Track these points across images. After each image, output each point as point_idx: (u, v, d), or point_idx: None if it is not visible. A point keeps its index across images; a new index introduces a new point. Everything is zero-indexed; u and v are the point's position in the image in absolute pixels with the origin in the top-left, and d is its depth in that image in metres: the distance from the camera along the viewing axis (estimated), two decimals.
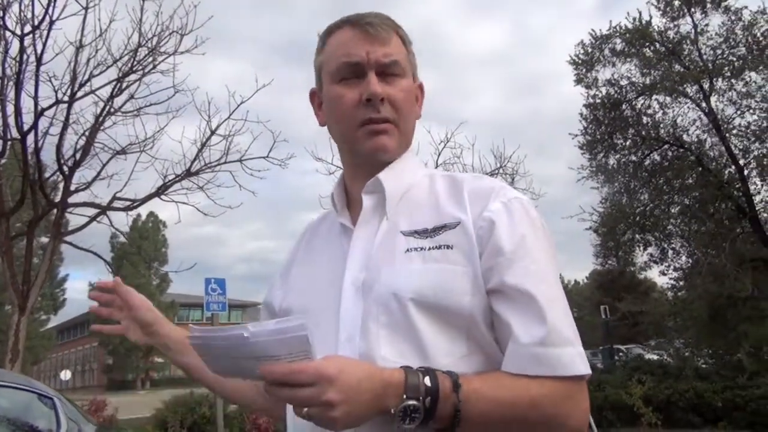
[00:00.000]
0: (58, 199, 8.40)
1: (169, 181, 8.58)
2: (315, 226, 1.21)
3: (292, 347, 0.82)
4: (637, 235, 13.66)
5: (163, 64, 8.27)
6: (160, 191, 8.60)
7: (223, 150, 8.66)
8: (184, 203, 8.76)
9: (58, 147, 7.95)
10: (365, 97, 1.03)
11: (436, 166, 11.10)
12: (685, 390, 9.76)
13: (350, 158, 1.12)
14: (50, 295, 35.37)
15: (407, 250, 0.98)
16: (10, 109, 7.61)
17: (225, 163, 8.69)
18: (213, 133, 8.57)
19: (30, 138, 7.70)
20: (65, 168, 8.15)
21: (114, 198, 8.59)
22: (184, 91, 8.41)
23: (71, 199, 8.46)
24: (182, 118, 8.75)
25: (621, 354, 19.24)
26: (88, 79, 7.91)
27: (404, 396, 0.83)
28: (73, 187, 8.41)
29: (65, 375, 31.32)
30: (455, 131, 11.01)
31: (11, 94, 7.52)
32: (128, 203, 8.79)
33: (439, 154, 11.06)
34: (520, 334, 0.90)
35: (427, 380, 0.84)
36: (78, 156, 8.21)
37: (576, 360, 0.91)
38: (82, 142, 8.21)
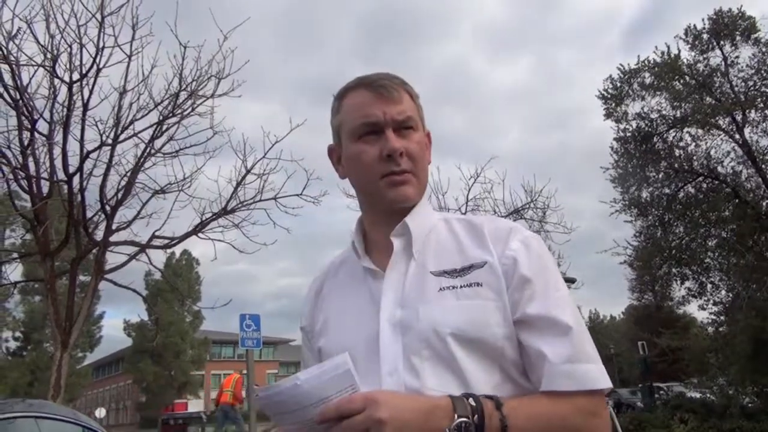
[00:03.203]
0: (99, 237, 8.65)
1: (206, 219, 8.79)
2: (336, 269, 1.29)
3: (339, 384, 0.91)
4: (673, 269, 13.41)
5: (202, 107, 8.52)
6: (197, 229, 8.78)
7: (257, 188, 8.83)
8: (220, 240, 8.94)
9: (101, 188, 8.20)
10: (386, 153, 1.12)
11: (467, 202, 11.15)
12: (731, 429, 9.42)
13: (371, 206, 1.23)
14: (87, 333, 35.93)
15: (440, 288, 1.07)
16: (56, 152, 7.95)
17: (260, 201, 8.84)
18: (248, 172, 8.78)
19: (75, 179, 7.99)
20: (107, 208, 8.41)
21: (153, 236, 8.81)
22: (221, 132, 8.66)
23: (112, 238, 8.71)
24: (219, 158, 8.99)
25: (661, 392, 18.63)
26: (131, 123, 8.19)
27: (455, 416, 0.91)
28: (114, 226, 8.65)
29: (100, 413, 31.55)
30: (485, 166, 11.07)
31: (59, 138, 7.87)
32: (167, 241, 9.00)
33: (470, 190, 11.11)
34: (551, 355, 1.01)
35: (471, 401, 0.94)
36: (120, 196, 8.48)
37: (601, 375, 1.02)
38: (123, 183, 8.49)
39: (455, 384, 1.01)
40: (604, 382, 1.02)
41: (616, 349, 44.83)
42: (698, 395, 12.58)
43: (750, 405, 11.09)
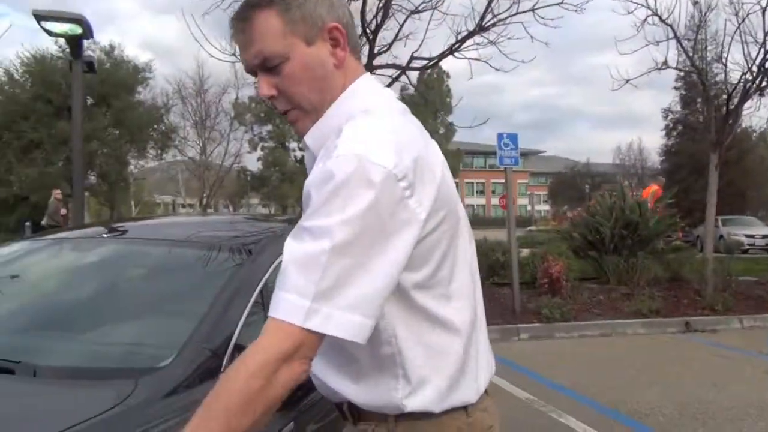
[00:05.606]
0: (364, 62, 9.14)
1: (462, 37, 8.63)
2: None
3: None
4: None
5: None
6: (453, 49, 8.73)
7: None
8: (476, 59, 8.80)
9: (362, 12, 8.49)
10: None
11: None
12: None
13: None
14: None
15: None
16: None
17: (516, 14, 8.31)
18: None
19: None
20: (368, 31, 8.75)
21: (412, 58, 9.02)
22: None
23: (374, 62, 9.16)
24: None
25: None
26: None
27: None
28: (376, 50, 9.05)
29: None
30: None
31: None
32: (425, 62, 9.17)
33: None
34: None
35: None
36: (379, 19, 8.71)
37: (281, 304, 0.92)
38: (381, 5, 8.64)
39: None
40: (282, 313, 0.92)
41: None
42: None
43: None
